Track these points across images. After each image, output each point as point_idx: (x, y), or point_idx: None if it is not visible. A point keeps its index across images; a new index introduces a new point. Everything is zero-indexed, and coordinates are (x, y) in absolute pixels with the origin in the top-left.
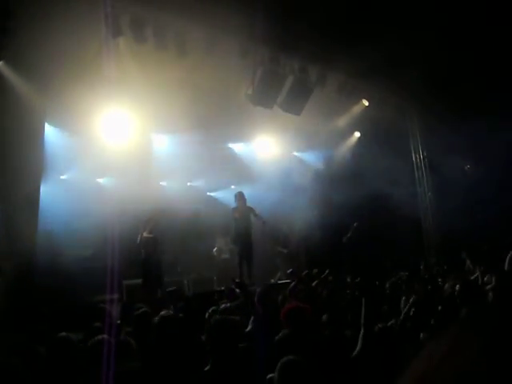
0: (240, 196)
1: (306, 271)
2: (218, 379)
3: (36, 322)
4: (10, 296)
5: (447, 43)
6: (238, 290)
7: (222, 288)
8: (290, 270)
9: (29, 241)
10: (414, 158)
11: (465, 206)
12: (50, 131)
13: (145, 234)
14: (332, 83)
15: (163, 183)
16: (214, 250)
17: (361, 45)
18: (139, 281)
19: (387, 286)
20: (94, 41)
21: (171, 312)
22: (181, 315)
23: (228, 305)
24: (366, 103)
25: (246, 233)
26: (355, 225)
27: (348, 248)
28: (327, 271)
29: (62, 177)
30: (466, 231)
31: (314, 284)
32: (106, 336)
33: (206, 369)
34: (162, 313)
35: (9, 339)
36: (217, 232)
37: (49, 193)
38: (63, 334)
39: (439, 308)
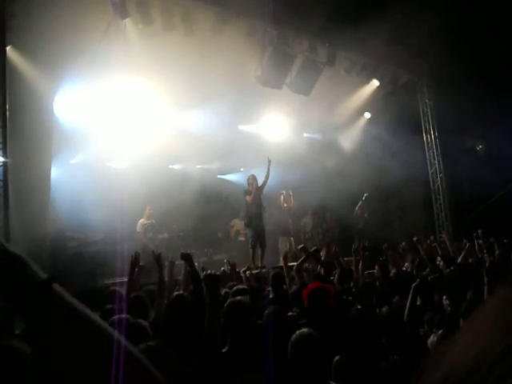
0: (253, 179)
1: (315, 247)
2: (238, 359)
3: None
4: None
5: (460, 19)
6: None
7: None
8: (301, 245)
9: (40, 224)
10: (425, 138)
11: (477, 186)
12: (59, 114)
13: (144, 221)
14: (342, 62)
15: (173, 166)
16: (232, 231)
17: (371, 21)
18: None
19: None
20: (101, 23)
21: (183, 293)
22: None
23: (240, 287)
24: (377, 83)
25: (258, 216)
26: (365, 195)
27: (359, 218)
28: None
29: (71, 161)
30: (479, 212)
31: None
32: (117, 317)
33: (224, 350)
34: (175, 293)
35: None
36: (233, 214)
37: (59, 177)
38: None
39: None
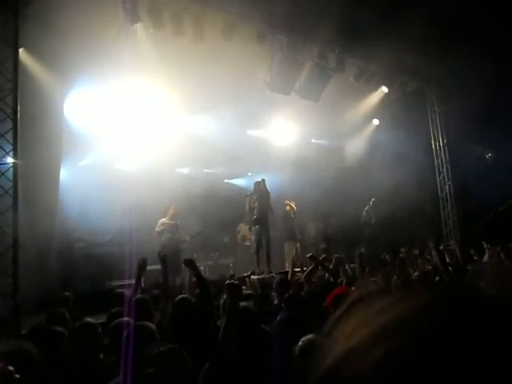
0: (259, 183)
1: (324, 255)
2: (244, 365)
3: (55, 305)
4: (30, 279)
5: (467, 28)
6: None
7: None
8: (310, 254)
9: (49, 226)
10: (433, 146)
11: (486, 194)
12: (69, 116)
13: (165, 221)
14: (351, 69)
15: (180, 170)
16: (238, 235)
17: (380, 29)
18: (157, 267)
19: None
20: (112, 27)
21: (188, 296)
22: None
23: (246, 292)
24: (386, 90)
25: (262, 221)
26: (373, 200)
27: (366, 224)
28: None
29: (80, 163)
30: (487, 221)
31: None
32: (125, 319)
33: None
34: (179, 296)
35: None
36: (239, 219)
37: (68, 178)
38: (87, 319)
39: None
